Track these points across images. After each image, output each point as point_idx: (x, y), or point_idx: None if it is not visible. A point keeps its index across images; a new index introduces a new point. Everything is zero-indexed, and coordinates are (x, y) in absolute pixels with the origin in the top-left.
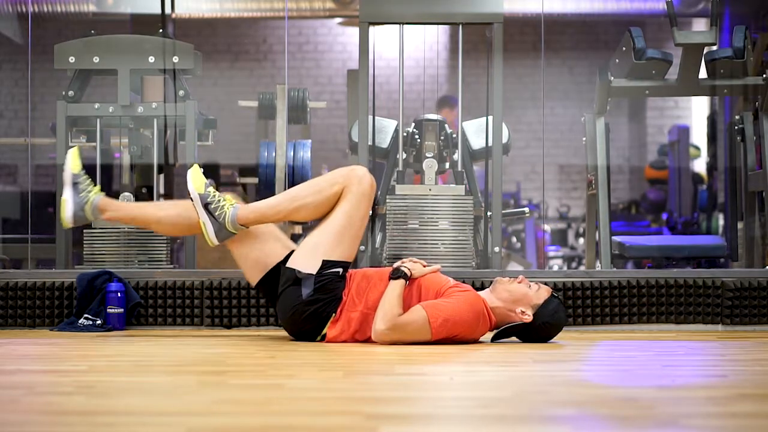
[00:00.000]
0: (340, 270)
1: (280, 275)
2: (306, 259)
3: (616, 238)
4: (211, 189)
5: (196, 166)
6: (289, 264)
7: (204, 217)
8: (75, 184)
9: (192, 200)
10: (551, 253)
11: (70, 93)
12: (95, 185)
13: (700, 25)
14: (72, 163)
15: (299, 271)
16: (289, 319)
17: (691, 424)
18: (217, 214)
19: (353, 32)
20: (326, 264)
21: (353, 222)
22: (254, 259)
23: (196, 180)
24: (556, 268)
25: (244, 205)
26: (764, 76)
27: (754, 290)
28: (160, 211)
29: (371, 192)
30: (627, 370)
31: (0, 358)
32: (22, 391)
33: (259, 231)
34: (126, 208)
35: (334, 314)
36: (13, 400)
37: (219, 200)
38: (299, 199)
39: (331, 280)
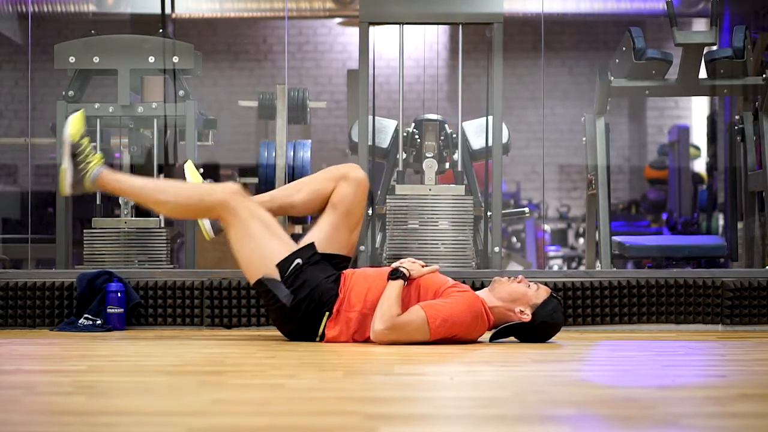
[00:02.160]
0: (299, 260)
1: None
2: (261, 269)
3: (616, 238)
4: (86, 140)
5: (80, 113)
6: (251, 280)
7: (67, 163)
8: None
9: (62, 143)
10: (551, 253)
11: (70, 93)
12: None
13: (700, 25)
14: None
15: (265, 279)
16: (282, 325)
17: (691, 424)
18: (81, 166)
19: (353, 32)
20: (282, 266)
21: (264, 223)
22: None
23: (74, 126)
24: (556, 268)
25: (110, 171)
26: (764, 76)
27: (754, 290)
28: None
29: (238, 200)
30: (627, 370)
31: (0, 358)
32: (22, 391)
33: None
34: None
35: (329, 313)
36: (13, 400)
37: (88, 154)
38: (163, 194)
39: (299, 274)
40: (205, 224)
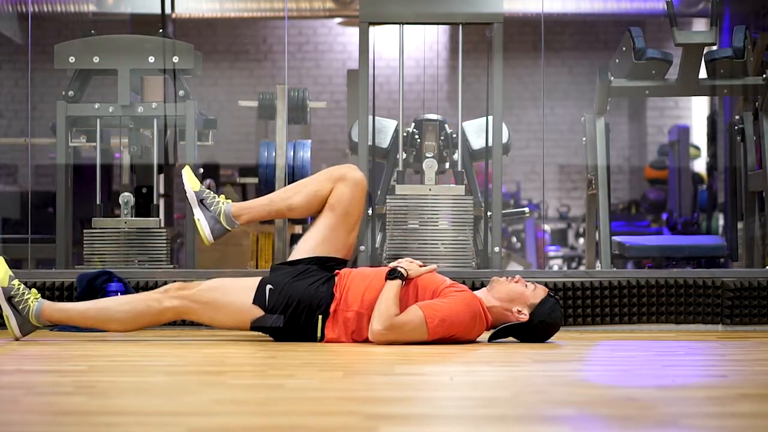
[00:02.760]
0: (269, 286)
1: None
2: (247, 319)
3: (616, 238)
4: (15, 282)
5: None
6: (249, 328)
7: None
8: (201, 201)
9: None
10: (551, 253)
11: (70, 93)
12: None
13: (700, 25)
14: (190, 183)
15: (253, 323)
16: (284, 339)
17: (691, 424)
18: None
19: (353, 32)
20: (258, 300)
21: (216, 291)
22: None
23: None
24: (556, 268)
25: (51, 303)
26: (764, 76)
27: (754, 290)
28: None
29: (183, 296)
30: (627, 370)
31: (0, 358)
32: (22, 391)
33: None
34: (257, 206)
35: (323, 315)
36: (13, 400)
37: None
38: (108, 311)
39: (278, 296)
40: (204, 229)
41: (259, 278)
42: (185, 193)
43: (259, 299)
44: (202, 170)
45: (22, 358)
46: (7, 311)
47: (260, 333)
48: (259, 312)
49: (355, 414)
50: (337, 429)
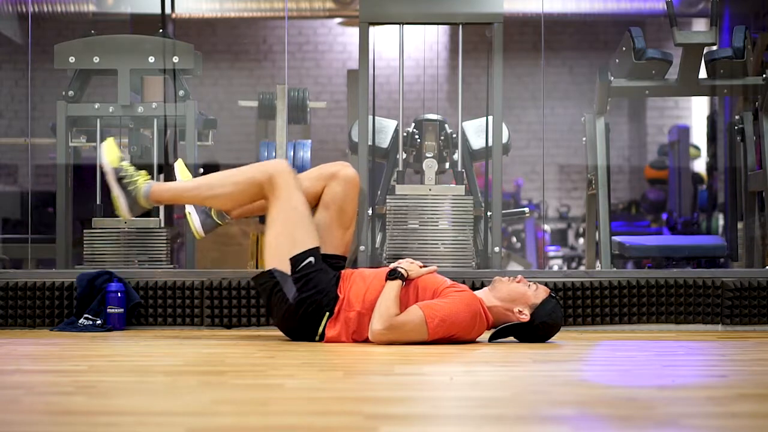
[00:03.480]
0: (312, 259)
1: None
2: (276, 260)
3: (616, 238)
4: (125, 163)
5: (110, 140)
6: (265, 268)
7: (117, 191)
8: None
9: (105, 173)
10: (551, 253)
11: (70, 93)
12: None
13: (700, 25)
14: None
15: (276, 271)
16: (282, 322)
17: (691, 424)
18: (130, 188)
19: (353, 32)
20: (295, 260)
21: (296, 210)
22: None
23: (109, 154)
24: (556, 268)
25: (159, 183)
26: (764, 76)
27: (754, 290)
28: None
29: (289, 179)
30: (627, 370)
31: (0, 358)
32: (22, 391)
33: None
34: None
35: (329, 313)
36: (13, 400)
37: (132, 174)
38: (216, 187)
39: (308, 274)
40: (195, 223)
41: (313, 246)
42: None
43: (296, 260)
44: (201, 170)
45: (22, 358)
46: (117, 191)
47: (258, 295)
48: (287, 266)
49: (355, 414)
50: (337, 429)
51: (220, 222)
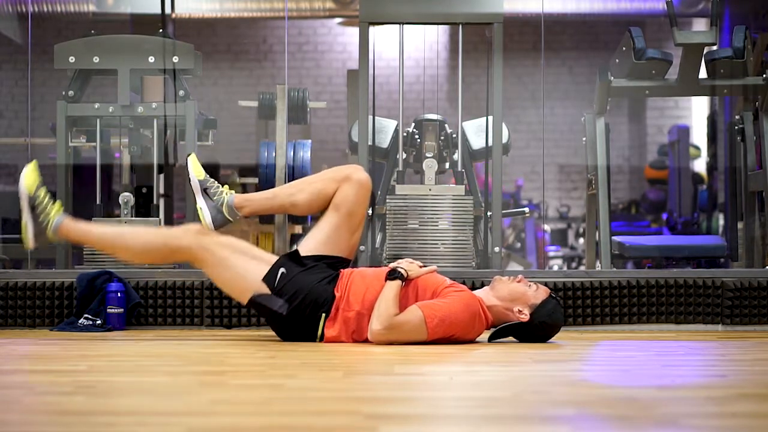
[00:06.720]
0: (282, 269)
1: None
2: (251, 290)
3: (616, 238)
4: (42, 191)
5: (32, 164)
6: (248, 299)
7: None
8: (205, 190)
9: (20, 197)
10: (551, 253)
11: (70, 93)
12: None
13: (700, 25)
14: (195, 171)
15: (257, 296)
16: (283, 334)
17: (691, 424)
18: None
19: (353, 32)
20: (268, 280)
21: (236, 250)
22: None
23: (29, 178)
24: (556, 268)
25: (71, 220)
26: (764, 76)
27: (754, 290)
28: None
29: (202, 240)
30: (627, 370)
31: (0, 358)
32: (22, 391)
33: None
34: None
35: (326, 314)
36: (13, 400)
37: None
38: (126, 239)
39: (287, 282)
40: (206, 218)
41: (276, 258)
42: (189, 181)
43: (269, 278)
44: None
45: (22, 358)
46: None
47: (258, 315)
48: (265, 289)
49: (355, 414)
50: (337, 429)
51: (230, 219)
